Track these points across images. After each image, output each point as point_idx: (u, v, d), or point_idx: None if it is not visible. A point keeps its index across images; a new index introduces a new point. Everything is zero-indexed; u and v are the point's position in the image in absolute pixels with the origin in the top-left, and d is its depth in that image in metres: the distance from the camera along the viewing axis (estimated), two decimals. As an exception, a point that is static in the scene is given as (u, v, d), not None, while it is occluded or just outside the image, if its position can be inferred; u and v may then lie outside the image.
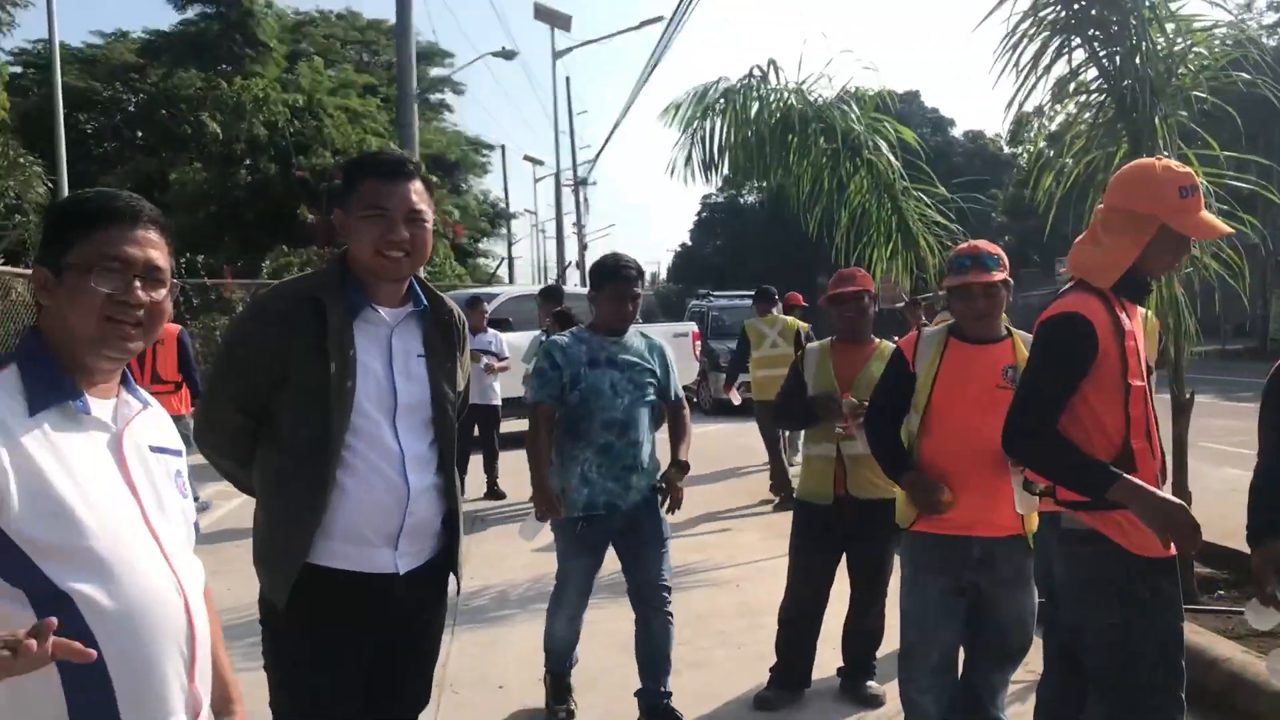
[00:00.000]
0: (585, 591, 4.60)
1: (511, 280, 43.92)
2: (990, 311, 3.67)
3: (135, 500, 1.72)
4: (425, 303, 2.71)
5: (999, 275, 3.66)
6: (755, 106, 8.34)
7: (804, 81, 8.47)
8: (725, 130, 8.40)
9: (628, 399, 4.35)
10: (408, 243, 2.57)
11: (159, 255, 1.79)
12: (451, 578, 2.82)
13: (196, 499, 1.94)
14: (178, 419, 8.61)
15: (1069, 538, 2.99)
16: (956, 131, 53.46)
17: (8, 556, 1.57)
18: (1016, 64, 5.83)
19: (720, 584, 6.61)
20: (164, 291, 1.80)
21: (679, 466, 4.55)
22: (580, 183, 40.78)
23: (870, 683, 4.80)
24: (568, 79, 48.30)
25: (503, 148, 47.28)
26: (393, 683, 2.74)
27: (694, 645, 5.50)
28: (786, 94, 8.35)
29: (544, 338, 9.89)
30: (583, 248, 41.69)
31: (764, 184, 8.84)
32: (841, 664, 4.91)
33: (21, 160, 14.55)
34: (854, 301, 4.78)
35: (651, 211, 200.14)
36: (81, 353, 1.73)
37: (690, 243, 61.94)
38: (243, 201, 24.16)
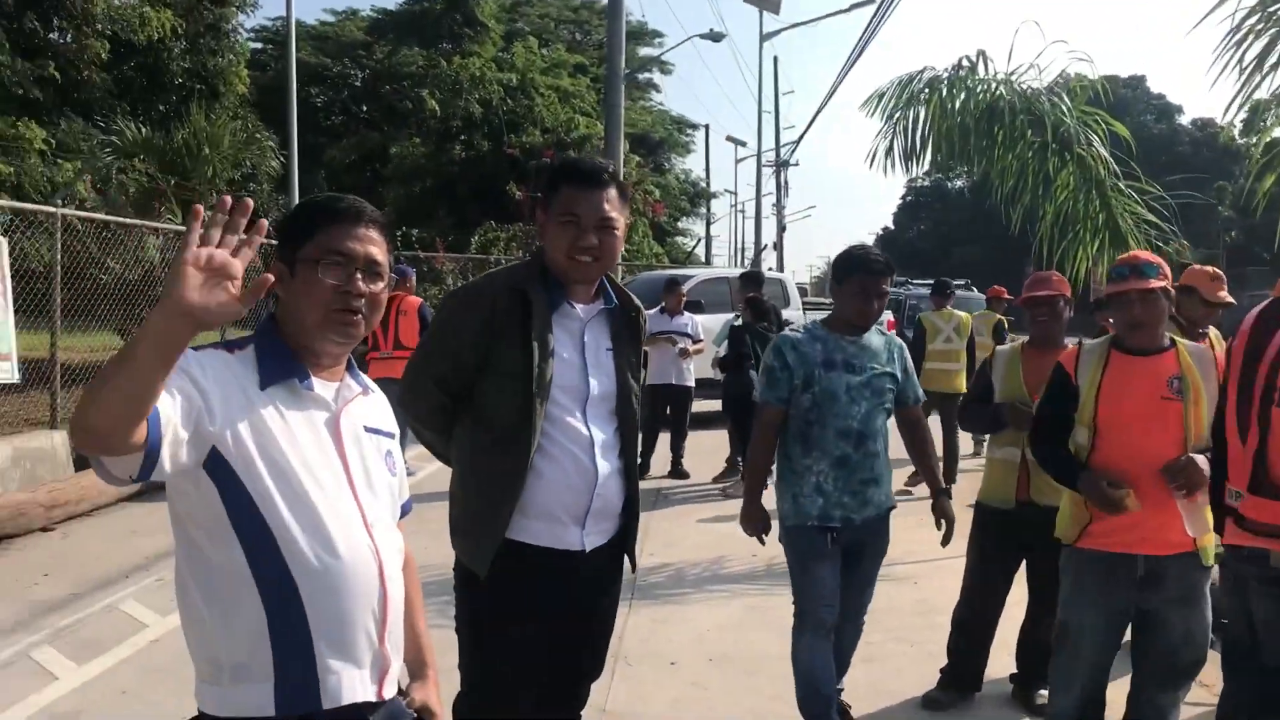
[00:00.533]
0: (829, 607, 4.02)
1: (708, 260, 44.10)
2: (1147, 320, 3.54)
3: (345, 472, 1.91)
4: (615, 300, 2.91)
5: (1157, 283, 3.54)
6: (961, 97, 8.17)
7: (1013, 72, 8.26)
8: (928, 120, 8.28)
9: (865, 406, 3.93)
10: (596, 249, 2.75)
11: (378, 251, 1.96)
12: (626, 558, 3.02)
13: (410, 474, 2.12)
14: None
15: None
16: (1184, 119, 50.52)
17: (236, 495, 1.78)
18: (1240, 61, 5.55)
19: (898, 579, 6.56)
20: (382, 284, 1.97)
21: (945, 494, 4.19)
22: (782, 164, 40.51)
23: (1042, 691, 4.70)
24: (775, 59, 47.98)
25: (706, 127, 47.34)
26: (571, 653, 2.95)
27: (867, 639, 5.48)
28: (995, 84, 8.15)
29: (736, 322, 9.99)
30: (781, 229, 41.49)
31: (955, 169, 8.68)
32: (1015, 670, 4.85)
33: (259, 135, 15.60)
34: (1048, 305, 4.68)
35: (852, 194, 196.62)
36: (310, 338, 1.92)
37: (893, 227, 60.68)
38: (456, 177, 25.14)
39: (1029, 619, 4.74)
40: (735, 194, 65.84)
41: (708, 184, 46.21)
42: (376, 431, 2.03)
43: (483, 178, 24.41)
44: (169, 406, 1.67)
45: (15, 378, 8.86)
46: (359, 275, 1.92)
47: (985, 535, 4.72)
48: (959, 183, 52.43)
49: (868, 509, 4.01)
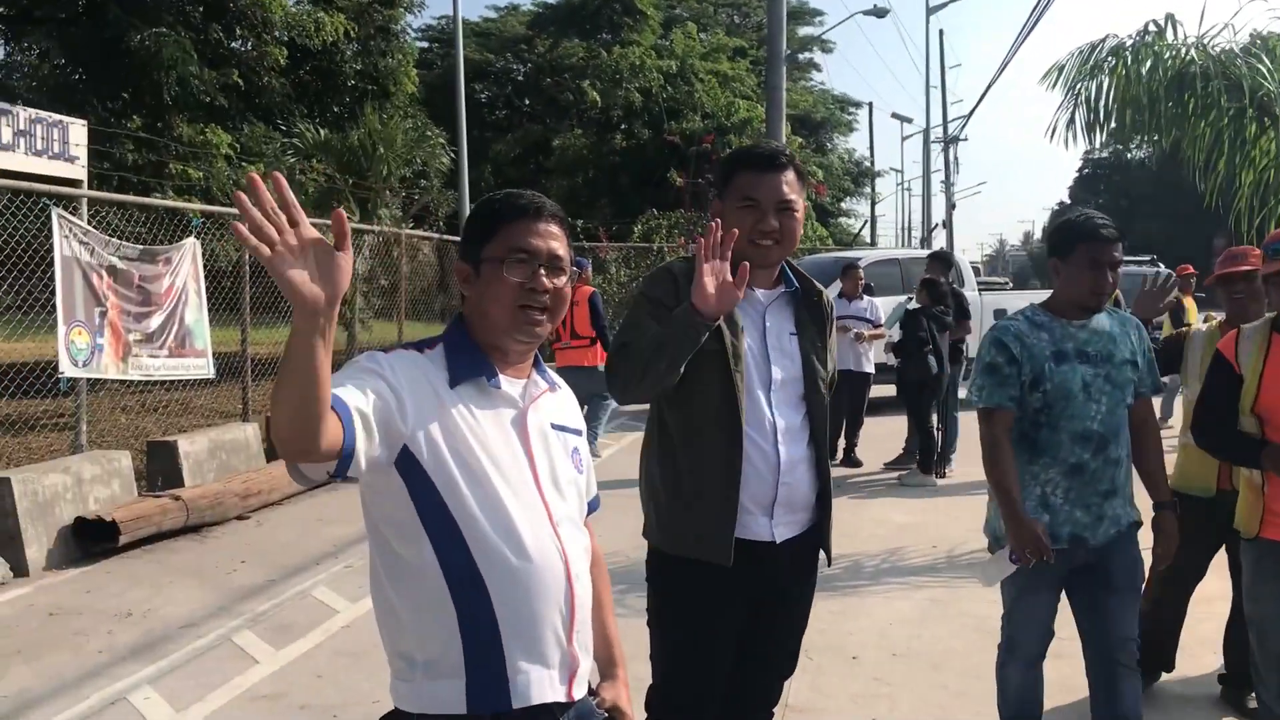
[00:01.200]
0: (1045, 637, 3.52)
1: (873, 241, 43.29)
2: None
3: (532, 470, 1.90)
4: (796, 284, 2.85)
5: None
6: (1148, 64, 7.75)
7: (1204, 35, 7.78)
8: (1112, 89, 7.88)
9: (1105, 403, 3.33)
10: (777, 232, 2.71)
11: (559, 246, 1.96)
12: (822, 553, 2.93)
13: (596, 456, 2.10)
14: (593, 370, 9.51)
15: None
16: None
17: (426, 493, 1.80)
18: None
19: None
20: (564, 279, 1.96)
21: (1171, 508, 3.53)
22: (951, 140, 39.40)
23: (1254, 694, 4.43)
24: (941, 32, 46.61)
25: (870, 105, 46.46)
26: (764, 648, 2.89)
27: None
28: (1184, 49, 7.70)
29: (910, 305, 9.72)
30: (951, 206, 40.37)
31: (1155, 140, 8.21)
32: (1223, 670, 4.58)
33: (429, 133, 16.06)
34: (1244, 282, 4.40)
35: (1024, 169, 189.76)
36: (497, 336, 1.93)
37: (1069, 201, 58.34)
38: (617, 166, 25.38)
39: (1234, 614, 4.45)
40: (901, 172, 64.40)
41: (872, 163, 45.38)
42: (563, 429, 2.03)
43: (644, 166, 24.56)
44: (363, 404, 1.70)
45: (211, 373, 9.36)
46: (543, 271, 1.92)
47: (1184, 524, 4.46)
48: (1139, 154, 50.07)
49: (1104, 525, 3.36)
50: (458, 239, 13.74)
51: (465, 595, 1.80)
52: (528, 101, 33.78)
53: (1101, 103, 7.99)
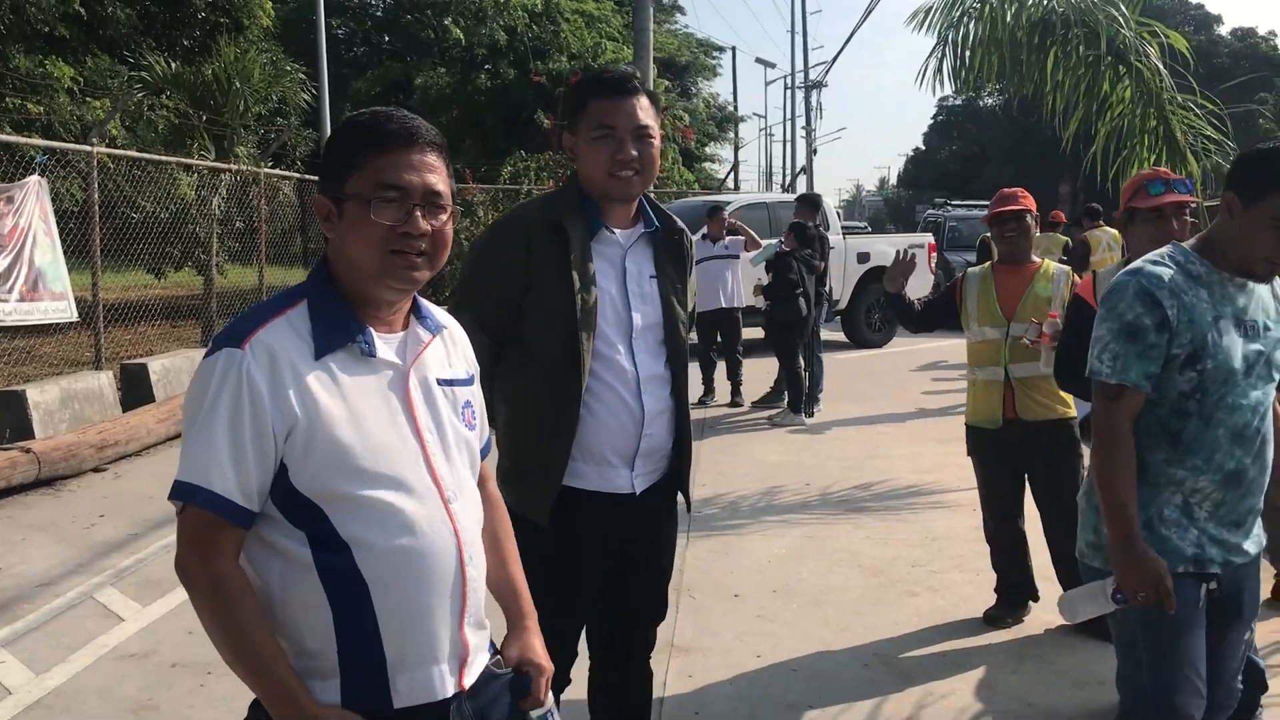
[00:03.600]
0: (1203, 688, 2.60)
1: (736, 187, 43.58)
2: (1184, 238, 2.95)
3: (419, 444, 1.71)
4: (656, 223, 2.72)
5: (1191, 198, 3.58)
6: (1013, 9, 7.89)
7: (1064, -20, 7.96)
8: (979, 35, 8.01)
9: (1261, 390, 2.61)
10: (636, 161, 2.56)
11: (438, 180, 1.70)
12: (681, 497, 2.87)
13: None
14: None
15: None
16: (1223, 29, 49.13)
17: (294, 502, 1.63)
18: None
19: (954, 506, 6.50)
20: (445, 217, 1.72)
21: None
22: (813, 85, 39.81)
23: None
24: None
25: (733, 50, 46.48)
26: (632, 598, 2.84)
27: (929, 568, 5.48)
28: (1049, -4, 7.86)
29: (781, 247, 9.81)
30: (812, 152, 40.91)
31: (1004, 87, 8.38)
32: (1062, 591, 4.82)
33: (289, 68, 15.37)
34: (1015, 221, 4.74)
35: (883, 115, 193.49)
36: (366, 286, 1.70)
37: (924, 147, 59.75)
38: (482, 106, 24.86)
39: (1048, 535, 4.77)
40: (765, 118, 64.91)
41: (735, 108, 45.49)
42: (451, 383, 1.82)
43: (510, 106, 24.14)
44: (249, 482, 1.60)
45: (73, 315, 8.89)
46: (419, 211, 1.67)
47: (982, 455, 4.83)
48: (990, 100, 51.44)
49: (1249, 544, 2.67)
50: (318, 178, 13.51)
51: (341, 592, 1.63)
52: (387, 38, 32.73)
53: (968, 49, 8.14)
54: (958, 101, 54.78)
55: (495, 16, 25.51)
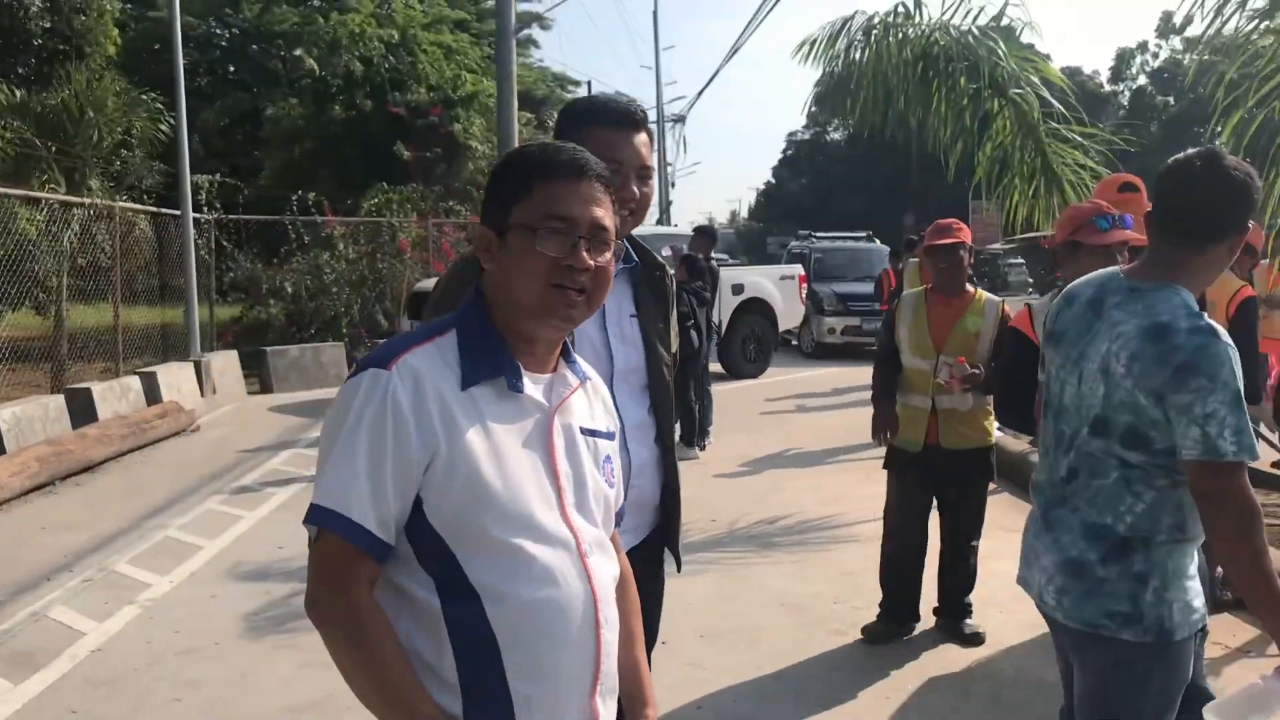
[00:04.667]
0: None
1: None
2: None
3: (557, 491, 1.61)
4: (636, 259, 2.52)
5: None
6: (896, 42, 8.01)
7: (947, 14, 8.14)
8: (864, 67, 8.10)
9: None
10: (635, 200, 2.39)
11: (605, 214, 1.65)
12: (669, 556, 2.64)
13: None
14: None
15: None
16: (1054, 67, 51.92)
17: (426, 542, 1.52)
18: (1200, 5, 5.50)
19: (865, 540, 6.42)
20: (609, 255, 1.65)
21: None
22: (677, 120, 40.31)
23: (968, 621, 4.94)
24: (655, 13, 47.01)
25: (589, 84, 46.70)
26: None
27: (851, 604, 5.40)
28: (931, 30, 8.02)
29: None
30: (670, 185, 41.31)
31: (850, 121, 8.51)
32: (936, 604, 5.04)
33: (144, 97, 14.59)
34: (948, 253, 4.81)
35: (734, 149, 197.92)
36: (522, 321, 1.62)
37: (774, 180, 61.05)
38: (339, 138, 24.16)
39: (944, 556, 5.01)
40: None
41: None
42: (594, 434, 1.72)
43: (368, 138, 23.48)
44: (386, 515, 1.50)
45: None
46: (584, 244, 1.59)
47: (899, 473, 4.99)
48: (836, 135, 52.94)
49: None
50: (177, 212, 12.69)
51: (468, 647, 1.50)
52: (233, 68, 31.69)
53: (853, 81, 8.23)
54: (806, 135, 56.25)
55: (350, 47, 24.89)
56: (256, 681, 4.46)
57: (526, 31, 40.04)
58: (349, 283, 16.95)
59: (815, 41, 8.36)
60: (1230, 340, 2.24)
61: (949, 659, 4.70)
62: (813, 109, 8.65)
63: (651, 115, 39.58)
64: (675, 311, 2.68)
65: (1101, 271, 2.56)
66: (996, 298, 4.92)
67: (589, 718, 1.61)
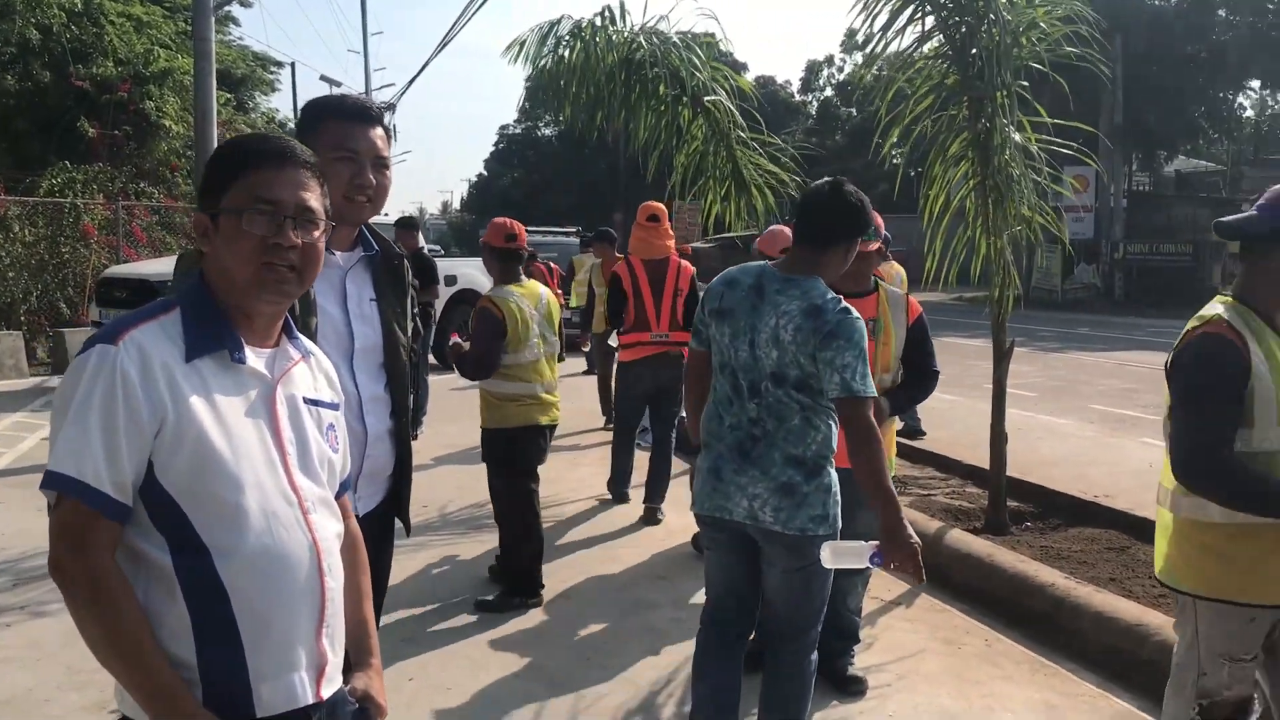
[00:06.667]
0: None
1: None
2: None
3: (281, 456, 1.74)
4: (376, 248, 2.73)
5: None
6: (603, 46, 8.36)
7: (648, 23, 8.59)
8: (573, 64, 8.39)
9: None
10: (373, 188, 2.59)
11: (311, 196, 1.80)
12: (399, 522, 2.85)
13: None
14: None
15: None
16: (750, 76, 54.78)
17: (158, 503, 1.63)
18: (870, 27, 6.14)
19: (568, 518, 6.73)
20: (317, 233, 1.80)
21: None
22: (388, 107, 39.55)
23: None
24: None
25: (293, 65, 45.11)
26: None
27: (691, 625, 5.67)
28: (635, 36, 8.42)
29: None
30: (378, 175, 40.51)
31: (560, 118, 8.83)
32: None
33: None
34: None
35: (447, 139, 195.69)
36: (240, 298, 1.75)
37: (486, 173, 61.04)
38: (12, 110, 22.24)
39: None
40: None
41: (296, 125, 44.12)
42: (317, 403, 1.87)
43: (47, 111, 21.79)
44: (122, 476, 1.61)
45: None
46: (290, 224, 1.75)
47: None
48: (548, 130, 53.57)
49: None
50: None
51: (202, 601, 1.62)
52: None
53: (562, 82, 8.53)
54: (518, 130, 56.58)
55: (26, 13, 22.93)
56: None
57: (226, 7, 38.16)
58: (26, 268, 15.71)
59: (525, 43, 8.59)
60: (860, 315, 3.19)
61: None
62: (525, 104, 8.88)
63: (360, 102, 38.68)
64: (410, 297, 2.88)
65: (754, 264, 3.42)
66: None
67: (316, 658, 1.76)
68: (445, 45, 18.92)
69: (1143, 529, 5.97)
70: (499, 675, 4.42)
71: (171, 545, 1.63)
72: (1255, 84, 38.29)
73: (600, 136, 9.61)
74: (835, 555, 3.13)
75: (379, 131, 2.63)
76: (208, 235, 1.77)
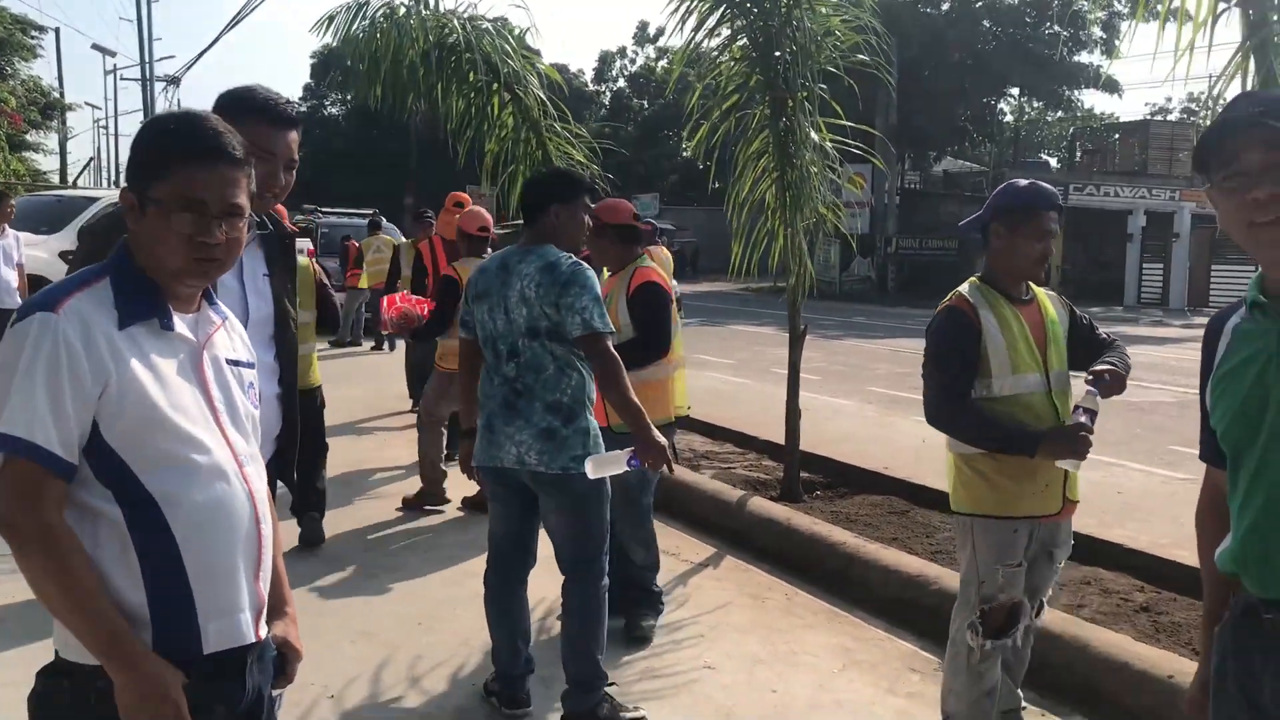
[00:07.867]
0: None
1: (64, 180, 39.71)
2: None
3: (211, 410, 1.85)
4: (270, 226, 2.93)
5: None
6: (416, 27, 8.37)
7: (460, 6, 8.67)
8: (385, 48, 8.36)
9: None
10: (280, 187, 2.82)
11: (240, 194, 1.85)
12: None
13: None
14: None
15: None
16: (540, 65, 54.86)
17: (105, 460, 1.72)
18: (682, 28, 6.54)
19: (391, 495, 6.82)
20: (241, 224, 1.87)
21: None
22: (171, 80, 37.61)
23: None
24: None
25: (57, 31, 42.33)
26: None
27: (386, 550, 5.78)
28: (444, 20, 8.48)
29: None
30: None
31: (372, 99, 8.78)
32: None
33: None
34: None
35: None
36: (165, 278, 1.83)
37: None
38: None
39: None
40: (102, 109, 59.55)
41: (61, 95, 41.42)
42: (238, 364, 1.99)
43: None
44: (69, 436, 1.69)
45: None
46: (217, 223, 1.81)
47: None
48: (334, 109, 52.09)
49: None
50: None
51: (152, 548, 1.74)
52: None
53: (371, 61, 8.47)
54: (303, 108, 54.80)
55: None
56: None
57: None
58: None
59: (335, 18, 8.51)
60: (590, 268, 3.73)
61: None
62: (309, 81, 8.76)
63: (135, 73, 36.72)
64: (297, 274, 3.13)
65: (501, 250, 3.98)
66: None
67: (254, 599, 1.88)
68: (237, 22, 18.28)
69: (919, 495, 6.63)
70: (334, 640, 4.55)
71: (119, 498, 1.73)
72: (1015, 91, 41.36)
73: (391, 117, 9.55)
74: (597, 466, 3.59)
75: (294, 135, 2.84)
76: (134, 212, 1.82)
